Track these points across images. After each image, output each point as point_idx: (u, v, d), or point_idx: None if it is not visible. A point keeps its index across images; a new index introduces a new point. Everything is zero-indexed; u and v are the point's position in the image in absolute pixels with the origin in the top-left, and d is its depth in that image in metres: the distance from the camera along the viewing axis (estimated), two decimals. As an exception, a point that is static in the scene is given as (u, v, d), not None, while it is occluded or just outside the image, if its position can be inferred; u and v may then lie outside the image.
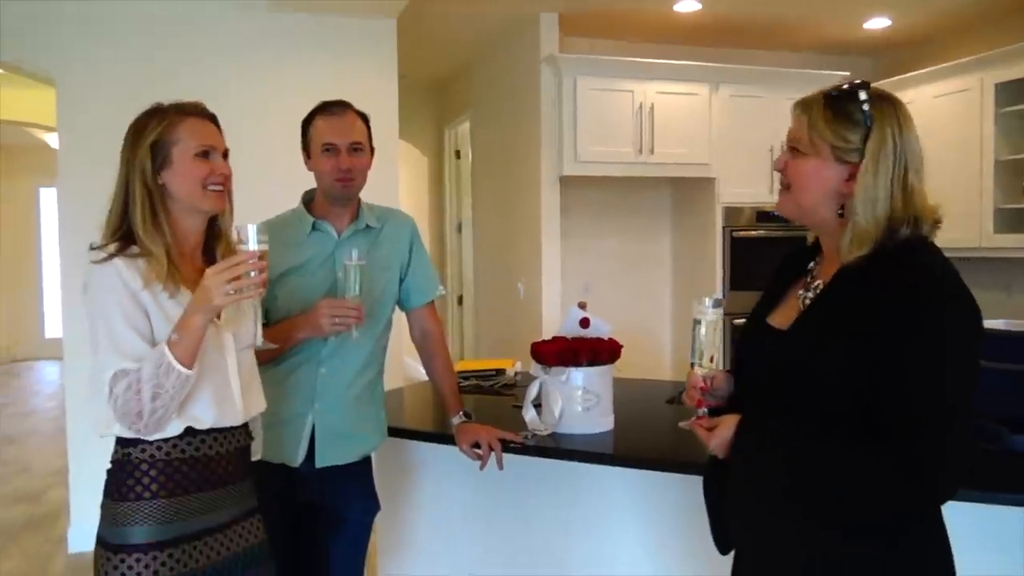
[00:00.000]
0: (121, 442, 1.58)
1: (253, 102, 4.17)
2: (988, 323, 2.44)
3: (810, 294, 1.43)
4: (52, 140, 7.79)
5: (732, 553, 1.57)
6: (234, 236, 1.63)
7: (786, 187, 1.41)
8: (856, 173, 1.33)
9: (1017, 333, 2.28)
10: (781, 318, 1.46)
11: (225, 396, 1.63)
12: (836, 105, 1.36)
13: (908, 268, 1.28)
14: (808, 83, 5.30)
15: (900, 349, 1.22)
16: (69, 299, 4.06)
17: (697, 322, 1.48)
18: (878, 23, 5.34)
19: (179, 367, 1.48)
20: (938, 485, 1.22)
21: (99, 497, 4.20)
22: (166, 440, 1.56)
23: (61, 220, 4.04)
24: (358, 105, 2.18)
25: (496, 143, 6.02)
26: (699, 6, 4.92)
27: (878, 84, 4.90)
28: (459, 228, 7.33)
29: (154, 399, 1.48)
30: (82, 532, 4.02)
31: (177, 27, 4.13)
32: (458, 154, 7.30)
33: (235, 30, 4.24)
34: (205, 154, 1.62)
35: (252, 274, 1.50)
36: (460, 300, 7.30)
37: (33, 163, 10.71)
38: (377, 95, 4.26)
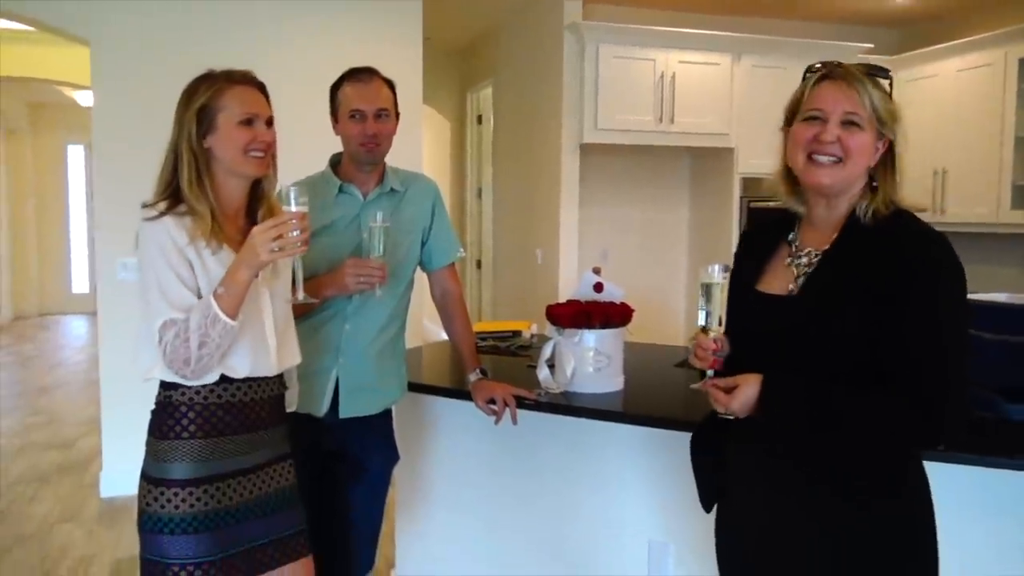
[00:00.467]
0: (164, 385, 1.70)
1: (281, 67, 4.23)
2: (988, 296, 2.52)
3: (803, 260, 1.52)
4: (81, 98, 7.93)
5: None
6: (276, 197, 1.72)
7: (838, 160, 1.45)
8: (879, 147, 1.47)
9: (1016, 306, 2.34)
10: (774, 285, 1.55)
11: (261, 348, 1.74)
12: (878, 84, 1.47)
13: (917, 233, 1.43)
14: (831, 54, 5.25)
15: (921, 305, 1.36)
16: (103, 253, 4.19)
17: (706, 287, 1.52)
18: (904, -5, 5.32)
19: (225, 318, 1.59)
20: (945, 418, 1.36)
21: (130, 444, 4.38)
22: (204, 385, 1.68)
23: (95, 178, 4.17)
24: (383, 71, 2.26)
25: (518, 109, 6.07)
26: (723, -25, 4.93)
27: (901, 57, 4.98)
28: (479, 193, 7.40)
29: (201, 347, 1.60)
30: (113, 478, 4.21)
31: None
32: (480, 119, 7.35)
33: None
34: (248, 122, 1.71)
35: (295, 233, 1.59)
36: (479, 264, 7.40)
37: (62, 120, 10.89)
38: (401, 61, 4.34)
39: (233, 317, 1.60)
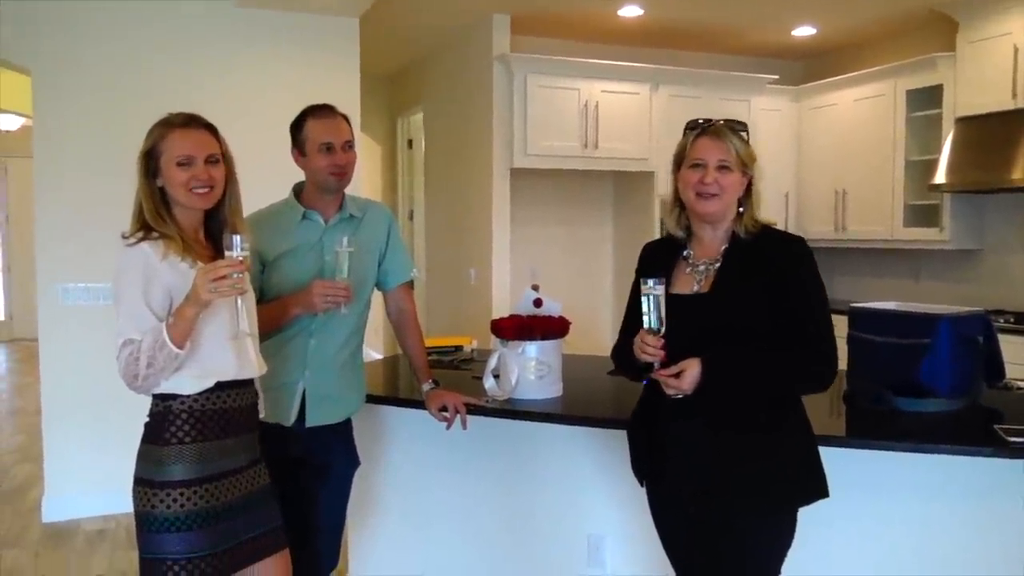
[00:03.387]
0: (161, 397, 1.88)
1: (219, 95, 4.36)
2: (880, 304, 2.86)
3: (700, 268, 1.98)
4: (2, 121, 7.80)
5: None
6: (225, 242, 1.87)
7: (714, 195, 1.91)
8: (744, 182, 1.94)
9: (904, 313, 2.67)
10: (681, 287, 1.96)
11: (243, 351, 1.94)
12: (740, 136, 1.93)
13: (787, 239, 1.97)
14: (741, 85, 5.79)
15: (802, 288, 1.88)
16: (44, 279, 4.22)
17: (648, 297, 1.86)
18: (805, 31, 5.78)
19: (171, 345, 1.78)
20: (832, 366, 1.86)
21: (72, 469, 4.42)
22: (200, 394, 1.87)
23: (37, 205, 4.20)
24: (322, 99, 2.45)
25: (449, 135, 6.31)
26: (641, 11, 5.28)
27: (805, 87, 5.52)
28: (411, 215, 7.60)
29: (148, 367, 1.80)
30: (57, 503, 4.23)
31: (147, 21, 4.32)
32: (411, 143, 7.56)
33: (202, 25, 4.44)
34: (186, 163, 1.90)
35: (236, 275, 1.77)
36: (411, 284, 7.56)
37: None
38: (340, 90, 4.49)
39: (180, 345, 1.80)
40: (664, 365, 1.85)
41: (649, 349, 1.85)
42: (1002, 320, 4.63)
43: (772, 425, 1.88)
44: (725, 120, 1.96)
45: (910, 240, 5.43)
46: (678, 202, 2.01)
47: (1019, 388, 2.73)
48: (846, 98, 5.83)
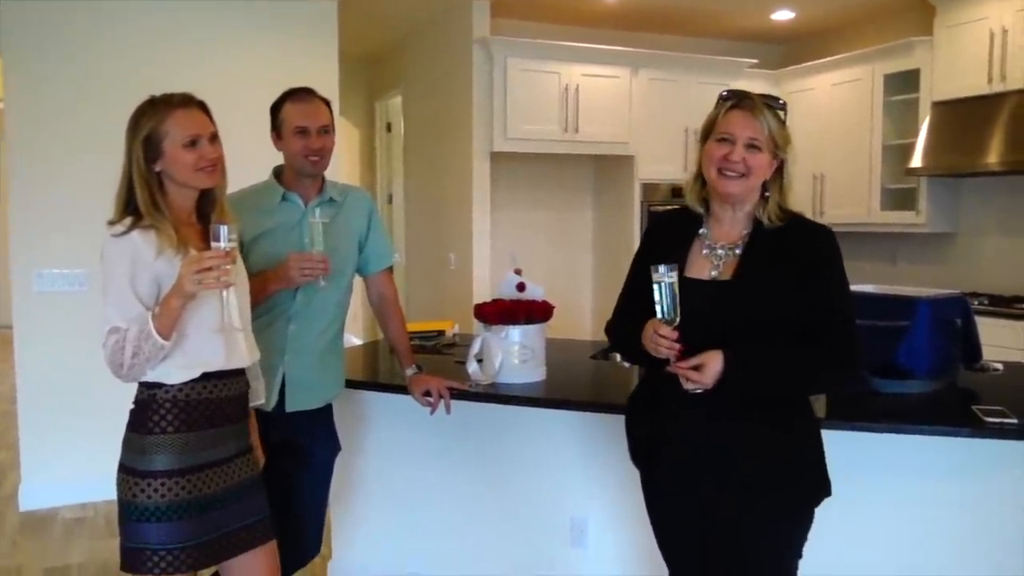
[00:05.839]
0: (147, 385, 1.85)
1: (197, 79, 4.27)
2: (859, 287, 2.89)
3: (720, 251, 1.85)
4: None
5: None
6: (212, 233, 1.82)
7: (742, 175, 1.78)
8: (774, 164, 1.81)
9: (882, 295, 2.70)
10: (697, 272, 1.84)
11: (232, 340, 1.91)
12: (777, 114, 1.80)
13: (816, 231, 1.84)
14: (720, 69, 5.79)
15: (827, 284, 1.78)
16: (18, 264, 4.14)
17: (659, 285, 1.72)
18: (784, 15, 5.80)
19: (156, 336, 1.75)
20: (857, 363, 1.81)
21: (49, 457, 4.35)
22: (185, 383, 1.84)
23: (10, 190, 4.12)
24: (300, 83, 2.42)
25: (428, 118, 6.27)
26: (621, -6, 5.27)
27: (783, 71, 5.50)
28: (390, 199, 7.55)
29: (134, 356, 1.77)
30: (34, 491, 4.19)
31: (122, 4, 4.23)
32: (389, 127, 7.50)
33: (179, 8, 4.36)
34: (192, 143, 1.85)
35: (222, 267, 1.73)
36: (391, 269, 7.53)
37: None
38: (318, 75, 4.43)
39: (166, 336, 1.77)
40: (680, 356, 1.73)
41: (664, 342, 1.72)
42: (976, 302, 4.69)
43: (784, 422, 1.81)
44: (762, 95, 1.82)
45: (887, 224, 5.48)
46: (700, 176, 1.87)
47: (995, 369, 2.77)
48: (824, 82, 5.86)
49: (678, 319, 1.73)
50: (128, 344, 1.75)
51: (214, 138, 1.91)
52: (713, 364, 1.70)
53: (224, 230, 1.76)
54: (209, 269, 1.72)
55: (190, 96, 1.91)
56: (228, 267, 1.75)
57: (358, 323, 7.12)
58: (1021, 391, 2.65)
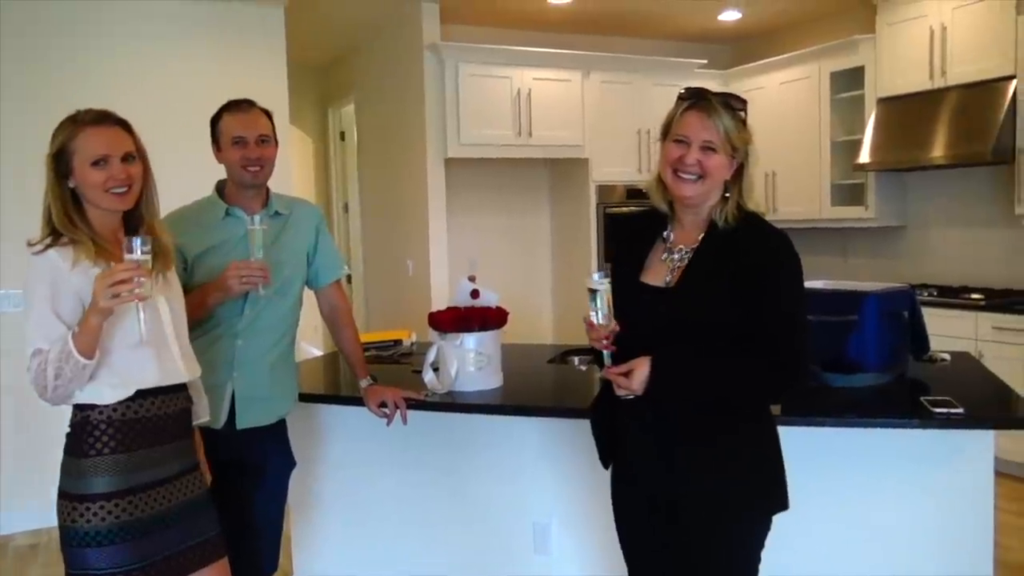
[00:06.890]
0: (80, 407, 1.80)
1: (135, 87, 4.20)
2: (809, 283, 2.92)
3: (676, 256, 1.83)
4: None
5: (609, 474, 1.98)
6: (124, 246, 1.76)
7: (699, 177, 1.75)
8: (732, 165, 1.78)
9: (832, 291, 2.73)
10: (653, 277, 1.84)
11: (166, 356, 1.86)
12: (736, 114, 1.77)
13: (767, 233, 1.77)
14: (670, 70, 5.83)
15: (774, 288, 1.71)
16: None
17: (593, 292, 1.75)
18: (730, 16, 5.85)
19: (77, 355, 1.70)
20: (800, 372, 1.74)
21: (17, 486, 4.23)
22: (120, 403, 1.79)
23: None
24: (248, 94, 2.39)
25: (381, 125, 6.23)
26: (570, -1, 5.28)
27: (733, 71, 5.53)
28: (345, 208, 7.49)
29: (56, 378, 1.72)
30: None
31: (56, 9, 4.12)
32: (343, 135, 7.44)
33: (118, 13, 4.27)
34: (101, 162, 1.79)
35: (135, 279, 1.68)
36: (349, 279, 7.48)
37: None
38: (266, 82, 4.42)
39: (88, 356, 1.72)
40: (619, 361, 1.75)
41: (595, 335, 1.76)
42: (925, 294, 4.79)
43: (728, 433, 1.77)
44: (723, 93, 1.79)
45: (837, 219, 5.57)
46: (661, 177, 1.84)
47: (943, 360, 2.82)
48: (773, 81, 5.93)
49: (611, 324, 1.74)
50: (50, 365, 1.71)
51: (129, 158, 1.84)
52: (640, 370, 1.71)
53: (137, 242, 1.71)
54: (123, 282, 1.67)
55: (107, 113, 1.86)
56: (143, 279, 1.69)
57: (318, 335, 7.05)
58: (968, 380, 2.71)
